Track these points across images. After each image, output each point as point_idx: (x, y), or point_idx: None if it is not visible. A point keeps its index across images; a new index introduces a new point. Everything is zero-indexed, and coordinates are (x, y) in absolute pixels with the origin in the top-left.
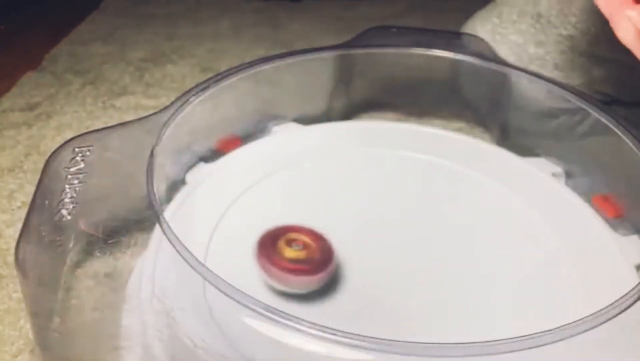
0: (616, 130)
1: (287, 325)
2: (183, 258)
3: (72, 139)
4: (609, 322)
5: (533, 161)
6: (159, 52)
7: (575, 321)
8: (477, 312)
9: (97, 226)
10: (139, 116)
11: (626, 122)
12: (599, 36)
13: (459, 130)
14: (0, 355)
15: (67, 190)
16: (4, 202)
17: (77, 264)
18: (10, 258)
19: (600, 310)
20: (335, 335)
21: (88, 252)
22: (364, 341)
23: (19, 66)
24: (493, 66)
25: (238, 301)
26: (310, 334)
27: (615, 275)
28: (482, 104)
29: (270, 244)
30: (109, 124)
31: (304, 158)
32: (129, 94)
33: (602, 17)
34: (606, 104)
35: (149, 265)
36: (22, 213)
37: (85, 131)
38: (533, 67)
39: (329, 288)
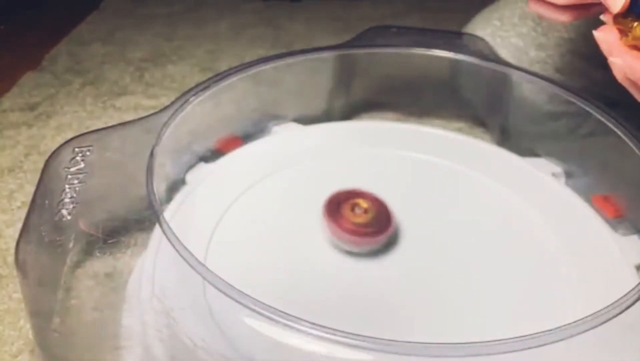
0: (617, 130)
1: (287, 325)
2: (183, 258)
3: (72, 139)
4: (609, 322)
5: (533, 161)
6: (159, 52)
7: (575, 321)
8: (477, 312)
9: (97, 226)
10: (139, 116)
11: (627, 122)
12: None
13: (459, 130)
14: (0, 355)
15: (67, 190)
16: (4, 202)
17: (77, 264)
18: (10, 258)
19: (600, 310)
20: (335, 335)
21: (88, 252)
22: (364, 341)
23: (19, 66)
24: (493, 66)
25: (238, 301)
26: (310, 334)
27: (615, 275)
28: (482, 104)
29: (336, 209)
30: (109, 124)
31: (304, 158)
32: (129, 94)
33: (602, 20)
34: (607, 106)
35: (149, 265)
36: (22, 213)
37: (85, 131)
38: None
39: (328, 287)
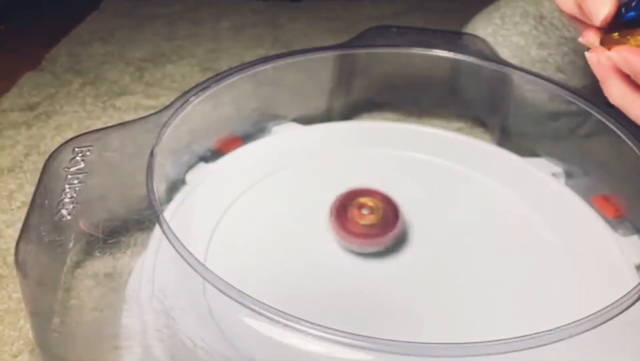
0: (617, 131)
1: (287, 325)
2: (183, 258)
3: (72, 139)
4: (609, 322)
5: (533, 161)
6: (159, 52)
7: (575, 321)
8: (477, 312)
9: (97, 226)
10: (139, 116)
11: (627, 122)
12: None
13: (459, 130)
14: (0, 355)
15: (67, 190)
16: (3, 202)
17: (77, 264)
18: (10, 258)
19: (600, 310)
20: (335, 335)
21: (88, 252)
22: (364, 341)
23: (19, 66)
24: (493, 66)
25: (238, 301)
26: (310, 334)
27: (615, 275)
28: (482, 104)
29: (343, 210)
30: (109, 124)
31: (304, 158)
32: (129, 94)
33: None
34: (608, 105)
35: (149, 265)
36: (22, 213)
37: (85, 131)
38: (535, 70)
39: (328, 287)
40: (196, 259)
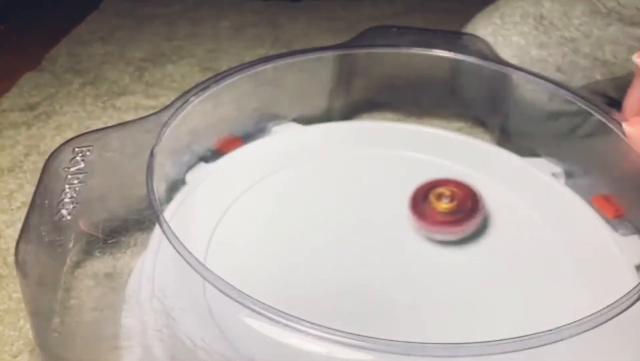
0: (617, 131)
1: (287, 325)
2: (183, 258)
3: (72, 139)
4: (609, 322)
5: (533, 161)
6: (159, 52)
7: (575, 321)
8: (477, 312)
9: (97, 226)
10: (139, 116)
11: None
12: (602, 39)
13: (459, 130)
14: (0, 355)
15: (67, 190)
16: (3, 202)
17: (77, 264)
18: (10, 258)
19: (600, 310)
20: (335, 335)
21: (88, 252)
22: (364, 341)
23: (19, 66)
24: (493, 66)
25: (238, 301)
26: (310, 334)
27: (615, 275)
28: (482, 104)
29: (422, 200)
30: (109, 124)
31: (304, 158)
32: (129, 94)
33: (604, 19)
34: (607, 106)
35: (149, 265)
36: (22, 213)
37: (85, 131)
38: (535, 70)
39: (328, 287)
40: (196, 259)
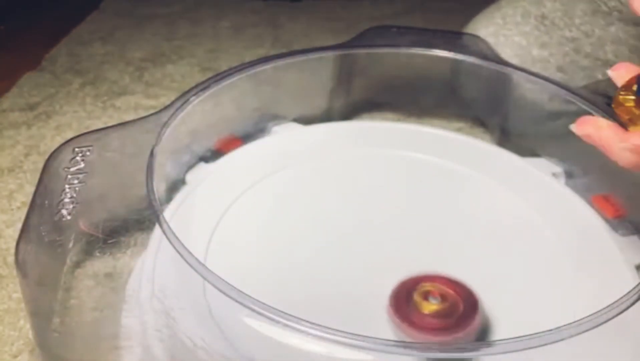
0: None
1: (287, 325)
2: (183, 258)
3: (72, 139)
4: (609, 322)
5: (533, 161)
6: (159, 52)
7: (575, 321)
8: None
9: (97, 226)
10: (139, 116)
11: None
12: (603, 38)
13: (459, 130)
14: (0, 355)
15: (67, 190)
16: (4, 202)
17: (77, 264)
18: (10, 258)
19: (600, 310)
20: (335, 335)
21: (88, 252)
22: (364, 341)
23: (19, 66)
24: (493, 66)
25: (238, 301)
26: (310, 334)
27: (615, 275)
28: (482, 104)
29: (405, 300)
30: (109, 124)
31: (304, 158)
32: (129, 94)
33: (605, 19)
34: (608, 106)
35: (149, 265)
36: (22, 213)
37: (85, 131)
38: (536, 69)
39: (328, 287)
40: (196, 259)
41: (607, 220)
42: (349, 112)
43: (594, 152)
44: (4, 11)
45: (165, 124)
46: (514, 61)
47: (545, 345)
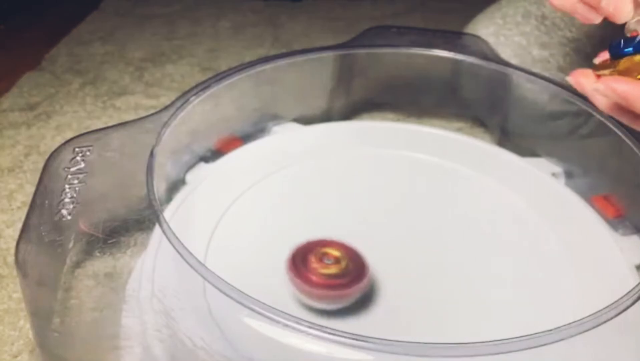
0: (617, 131)
1: (287, 325)
2: (183, 258)
3: (72, 139)
4: (609, 322)
5: (533, 161)
6: (159, 52)
7: (575, 321)
8: (477, 312)
9: (97, 226)
10: (139, 116)
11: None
12: (603, 39)
13: (459, 130)
14: (0, 355)
15: (67, 190)
16: (4, 202)
17: (77, 264)
18: (10, 258)
19: (600, 310)
20: (335, 335)
21: (88, 252)
22: (364, 341)
23: (19, 66)
24: (493, 66)
25: (238, 301)
26: (310, 334)
27: (615, 275)
28: (482, 104)
29: (301, 261)
30: (109, 124)
31: (304, 158)
32: (129, 94)
33: (606, 19)
34: None
35: (149, 265)
36: (22, 213)
37: (85, 131)
38: (536, 70)
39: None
40: (196, 259)
41: (607, 220)
42: (349, 112)
43: (594, 152)
44: (4, 11)
45: (165, 124)
46: (514, 61)
47: (545, 345)
